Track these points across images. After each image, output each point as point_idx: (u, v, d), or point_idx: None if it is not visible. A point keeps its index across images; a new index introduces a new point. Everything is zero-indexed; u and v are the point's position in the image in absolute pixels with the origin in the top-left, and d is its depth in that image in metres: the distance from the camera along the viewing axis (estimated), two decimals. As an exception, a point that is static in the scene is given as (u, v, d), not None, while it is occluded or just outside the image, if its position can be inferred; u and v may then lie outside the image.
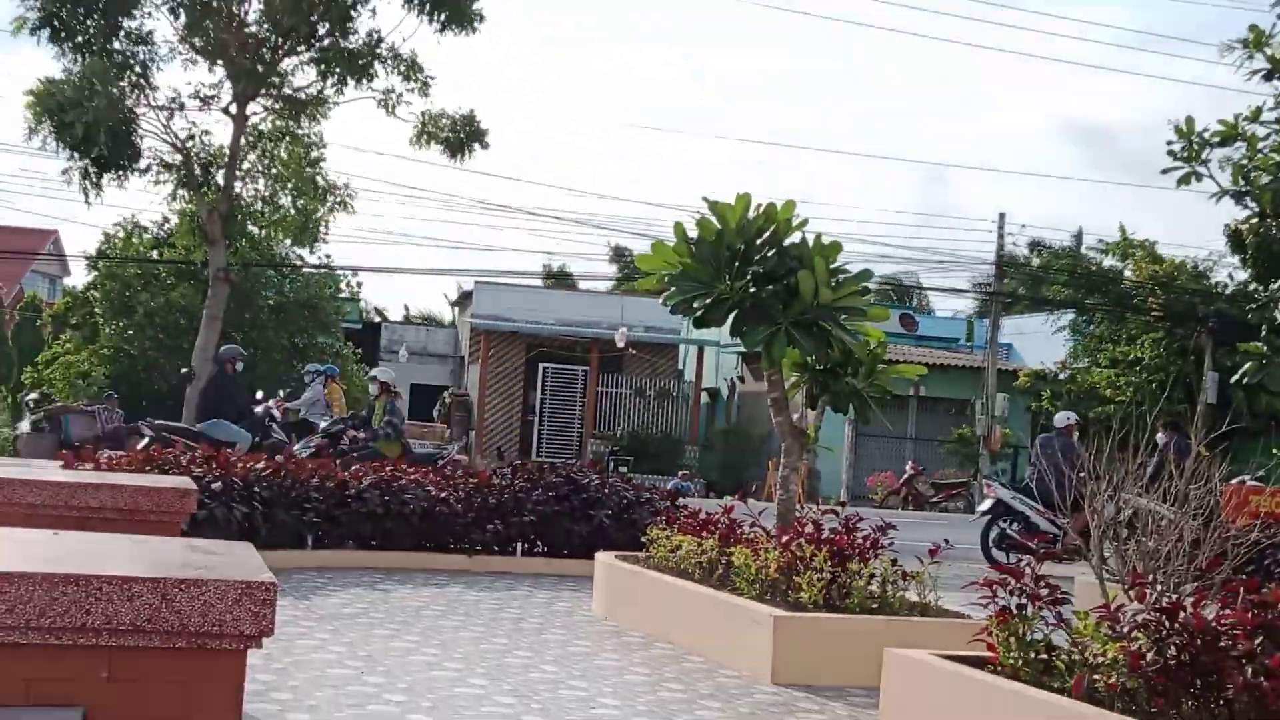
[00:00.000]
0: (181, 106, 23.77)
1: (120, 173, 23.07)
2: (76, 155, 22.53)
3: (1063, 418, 16.07)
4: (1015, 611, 5.77)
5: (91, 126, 21.58)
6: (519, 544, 11.96)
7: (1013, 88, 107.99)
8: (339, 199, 25.85)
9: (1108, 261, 34.85)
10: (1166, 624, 5.26)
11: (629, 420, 36.52)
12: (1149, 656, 5.18)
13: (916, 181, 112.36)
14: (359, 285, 33.65)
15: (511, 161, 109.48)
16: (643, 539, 9.91)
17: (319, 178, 25.70)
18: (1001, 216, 34.86)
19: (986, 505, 15.77)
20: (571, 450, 35.08)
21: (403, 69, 24.08)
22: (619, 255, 51.20)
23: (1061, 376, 32.29)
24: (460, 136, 24.56)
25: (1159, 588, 5.89)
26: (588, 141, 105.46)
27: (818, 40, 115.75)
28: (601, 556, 9.94)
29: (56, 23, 22.57)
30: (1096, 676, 5.27)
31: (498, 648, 7.72)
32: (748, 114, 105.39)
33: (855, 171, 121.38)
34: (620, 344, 34.64)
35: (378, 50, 24.07)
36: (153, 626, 2.94)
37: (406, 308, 52.64)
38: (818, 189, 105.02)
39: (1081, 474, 6.89)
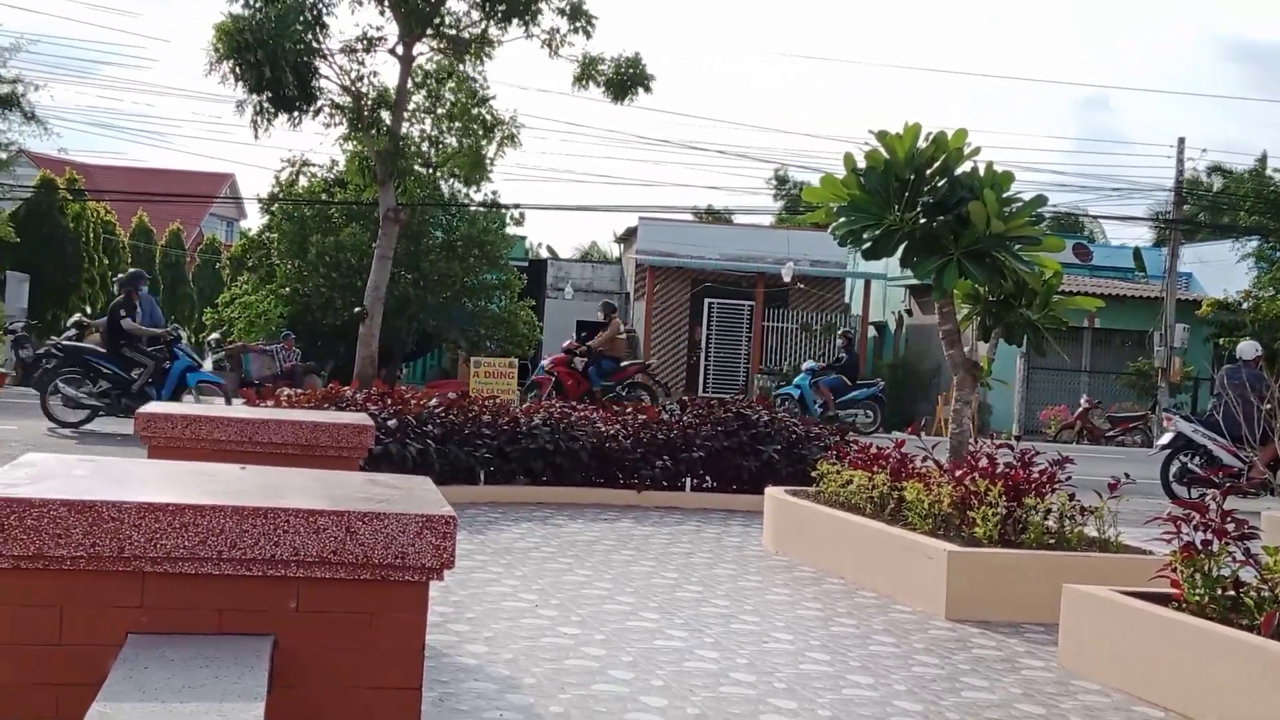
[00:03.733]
0: (354, 50, 24.08)
1: (295, 114, 23.48)
2: (255, 92, 22.94)
3: (1249, 348, 15.49)
4: (1200, 547, 5.61)
5: (278, 67, 21.98)
6: (688, 479, 12.00)
7: (1176, 6, 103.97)
8: (506, 133, 25.98)
9: None
10: (1364, 561, 5.06)
11: (795, 355, 36.35)
12: (1345, 594, 4.99)
13: (1080, 107, 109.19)
14: (521, 216, 33.78)
15: (675, 96, 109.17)
16: (812, 474, 9.86)
17: (486, 114, 25.86)
18: (1181, 141, 33.75)
19: (1167, 439, 15.34)
20: (738, 385, 35.06)
21: (568, 8, 24.05)
22: (781, 182, 50.65)
23: (1245, 306, 31.15)
24: (624, 79, 24.48)
25: (1355, 523, 5.67)
26: (749, 74, 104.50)
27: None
28: (771, 491, 9.92)
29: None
30: (1288, 614, 5.10)
31: (669, 582, 7.76)
32: (910, 42, 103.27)
33: (1019, 98, 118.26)
34: (787, 278, 34.43)
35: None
36: (338, 558, 3.00)
37: (551, 249, 52.55)
38: (985, 116, 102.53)
39: (1270, 405, 6.65)
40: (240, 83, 22.65)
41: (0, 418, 17.07)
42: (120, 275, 18.15)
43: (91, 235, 36.55)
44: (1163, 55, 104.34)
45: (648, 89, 24.60)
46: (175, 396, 16.12)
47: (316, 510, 3.00)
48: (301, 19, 22.63)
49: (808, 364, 25.28)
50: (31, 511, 2.83)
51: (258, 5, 22.55)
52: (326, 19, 23.43)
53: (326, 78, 23.88)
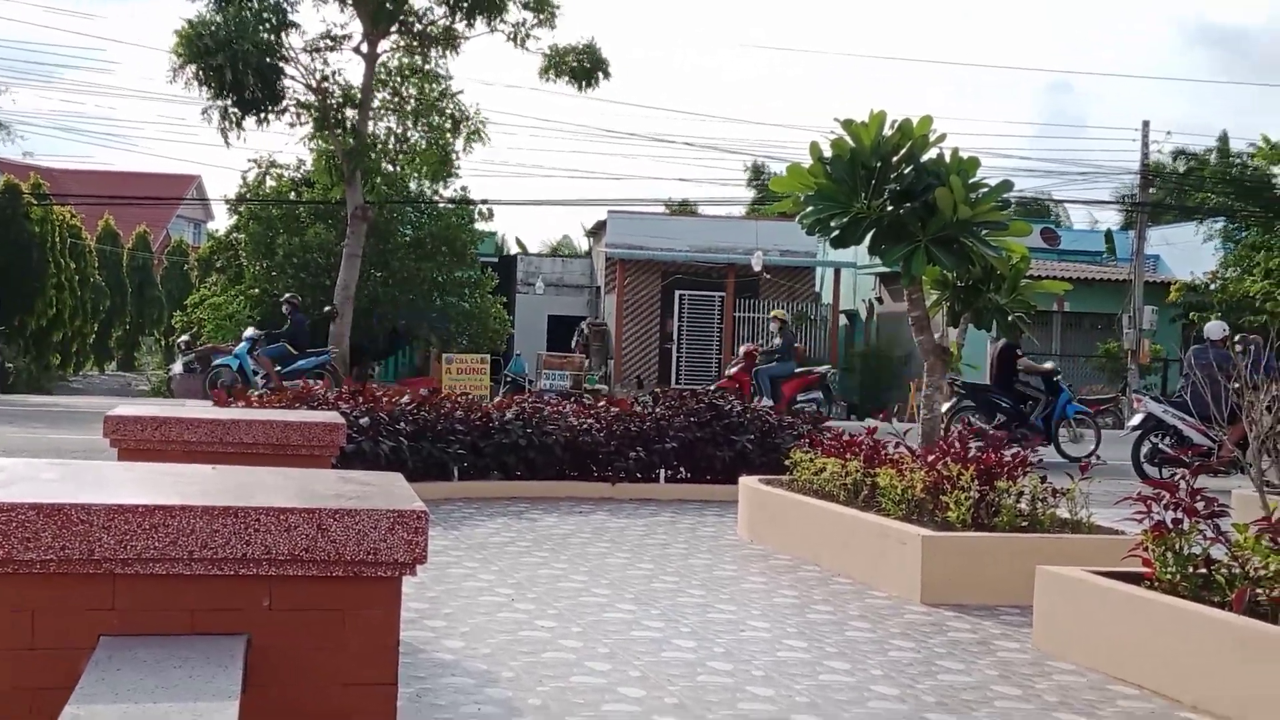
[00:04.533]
0: (319, 49, 23.98)
1: (262, 114, 23.38)
2: (220, 96, 22.82)
3: (1216, 328, 15.58)
4: (1171, 526, 5.64)
5: (240, 69, 21.88)
6: (662, 470, 12.01)
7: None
8: (472, 128, 25.92)
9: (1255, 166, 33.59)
10: (1332, 536, 5.10)
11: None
12: (1314, 569, 5.03)
13: (1044, 92, 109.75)
14: (490, 213, 33.67)
15: (642, 89, 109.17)
16: (786, 462, 9.88)
17: (452, 109, 25.78)
18: (1145, 124, 33.89)
19: (1137, 420, 15.44)
20: (710, 376, 35.06)
21: (532, 1, 24.02)
22: (757, 173, 50.72)
23: (1212, 287, 31.31)
24: (585, 66, 24.49)
25: (1323, 499, 5.71)
26: (715, 65, 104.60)
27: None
28: (745, 480, 9.93)
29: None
30: (1259, 590, 5.14)
31: (644, 573, 7.77)
32: (874, 30, 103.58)
33: (985, 84, 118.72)
34: (756, 268, 34.46)
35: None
36: (310, 556, 3.00)
37: (521, 244, 51.94)
38: (950, 104, 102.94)
39: (1238, 385, 6.69)
40: (204, 87, 22.55)
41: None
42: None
43: (57, 240, 36.28)
44: (1131, 39, 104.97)
45: (607, 74, 24.61)
46: (1056, 429, 17.46)
47: (287, 508, 2.99)
48: (263, 21, 22.53)
49: (248, 332, 24.08)
50: None
51: (214, 7, 22.45)
52: (289, 19, 23.32)
53: (291, 78, 23.78)
